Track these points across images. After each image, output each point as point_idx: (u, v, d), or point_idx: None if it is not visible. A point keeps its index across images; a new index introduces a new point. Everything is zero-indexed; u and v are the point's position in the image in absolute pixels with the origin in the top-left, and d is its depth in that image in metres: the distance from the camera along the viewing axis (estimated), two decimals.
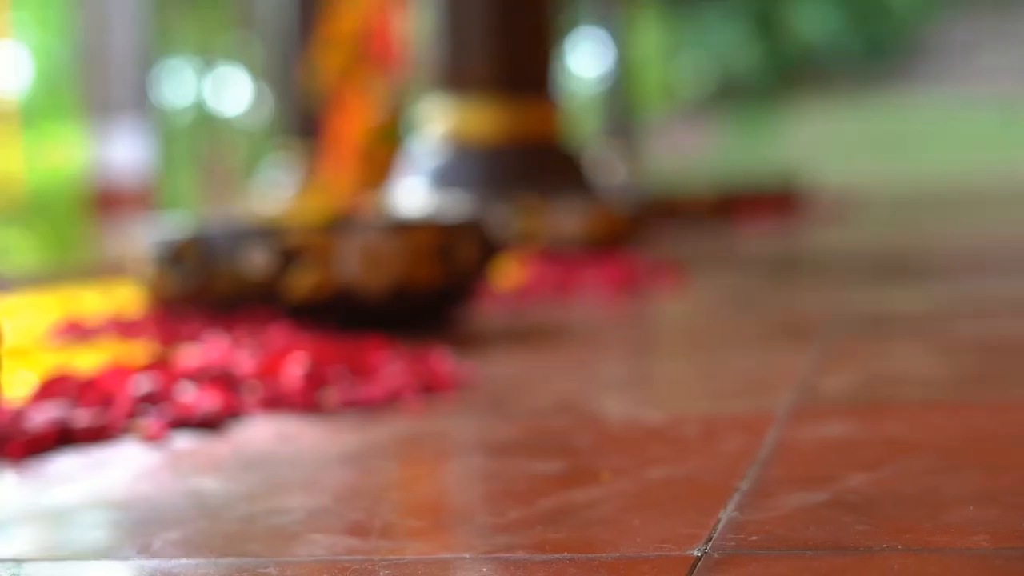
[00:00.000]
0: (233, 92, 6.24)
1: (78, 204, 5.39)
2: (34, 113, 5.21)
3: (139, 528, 0.53)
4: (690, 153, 6.22)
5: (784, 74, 6.38)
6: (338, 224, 1.08)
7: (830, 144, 6.20)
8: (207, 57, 6.20)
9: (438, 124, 2.12)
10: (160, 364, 0.82)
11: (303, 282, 1.07)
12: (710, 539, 0.47)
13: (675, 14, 6.34)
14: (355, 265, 1.07)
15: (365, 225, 1.08)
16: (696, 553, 0.45)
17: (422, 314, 1.11)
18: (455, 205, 1.65)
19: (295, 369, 0.80)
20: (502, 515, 0.52)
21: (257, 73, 6.34)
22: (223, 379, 0.80)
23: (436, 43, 2.12)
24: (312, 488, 0.58)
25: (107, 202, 5.18)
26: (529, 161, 2.07)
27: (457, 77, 2.11)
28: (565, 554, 0.46)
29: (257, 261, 1.07)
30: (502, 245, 1.18)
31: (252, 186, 3.93)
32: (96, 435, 0.70)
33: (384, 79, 3.14)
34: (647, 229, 1.73)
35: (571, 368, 0.89)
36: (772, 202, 2.81)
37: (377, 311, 1.08)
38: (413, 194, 2.07)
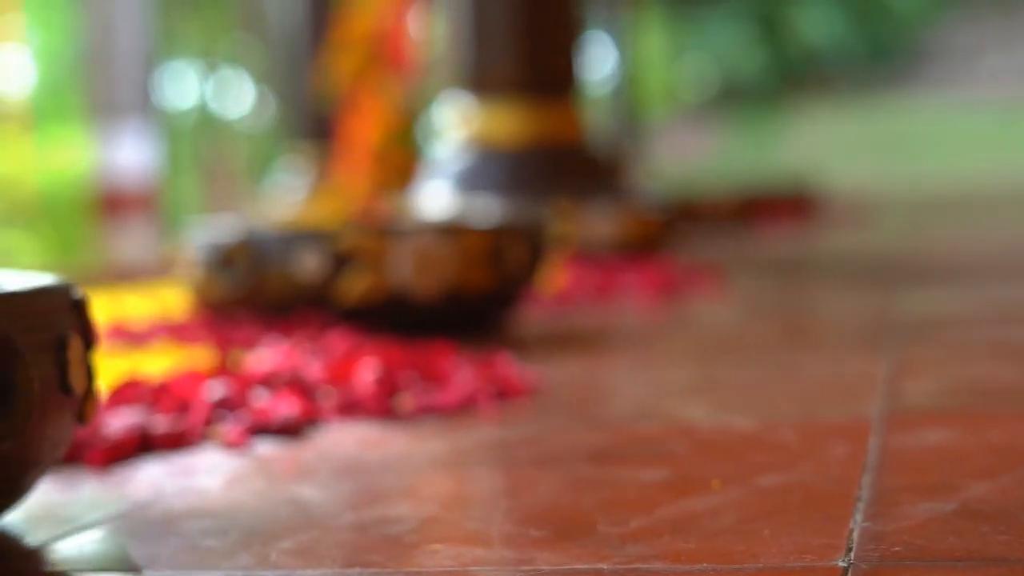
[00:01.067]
0: (236, 95, 6.22)
1: (83, 206, 5.38)
2: (39, 115, 5.18)
3: (248, 537, 0.52)
4: (693, 156, 6.22)
5: (787, 77, 6.38)
6: (390, 227, 1.07)
7: (833, 147, 6.20)
8: (210, 60, 6.18)
9: (462, 127, 2.11)
10: (230, 369, 0.81)
11: (355, 286, 1.06)
12: (850, 549, 0.46)
13: (678, 17, 6.33)
14: (407, 269, 1.06)
15: (418, 228, 1.07)
16: (842, 564, 0.44)
17: (473, 318, 1.10)
18: (487, 208, 1.64)
19: (367, 374, 0.79)
20: (623, 524, 0.51)
21: (261, 76, 6.33)
22: (295, 385, 0.79)
23: (460, 46, 2.11)
24: (414, 496, 0.57)
25: (112, 205, 5.17)
26: (554, 164, 2.06)
27: (481, 80, 2.10)
28: (704, 564, 0.45)
29: (309, 264, 1.06)
30: (550, 248, 1.17)
31: (261, 189, 3.92)
32: (175, 442, 0.69)
33: (398, 82, 3.13)
34: (678, 233, 1.72)
35: (637, 373, 0.88)
36: (788, 206, 2.81)
37: (429, 315, 1.07)
38: (437, 197, 2.06)
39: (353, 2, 3.16)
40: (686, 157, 6.06)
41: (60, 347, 0.52)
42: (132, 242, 5.07)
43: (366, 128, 3.10)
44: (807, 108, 6.50)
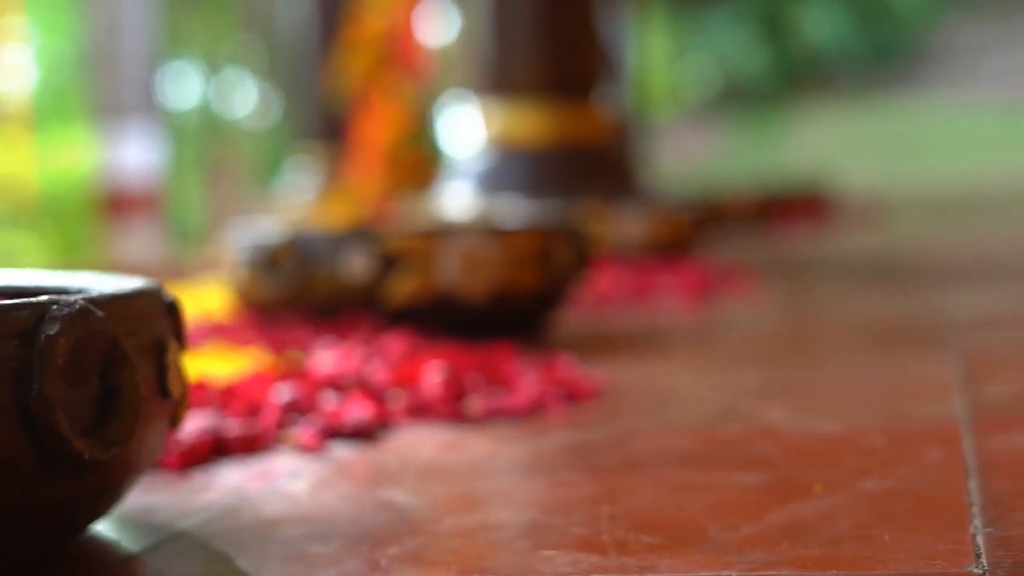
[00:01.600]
0: (240, 95, 6.21)
1: (87, 207, 5.36)
2: (43, 115, 5.17)
3: (352, 544, 0.51)
4: (695, 156, 6.21)
5: (790, 77, 6.37)
6: (438, 228, 1.06)
7: (836, 147, 6.19)
8: (214, 60, 6.17)
9: (484, 127, 2.10)
10: (293, 371, 0.80)
11: (403, 287, 1.05)
12: (979, 555, 0.45)
13: (680, 18, 6.33)
14: (455, 270, 1.05)
15: (465, 230, 1.06)
16: (976, 571, 0.43)
17: (519, 320, 1.09)
18: (515, 209, 1.63)
19: (433, 377, 0.79)
20: (735, 530, 0.50)
21: (264, 76, 6.31)
22: (362, 387, 0.78)
23: (482, 46, 2.11)
24: (510, 501, 0.57)
25: (117, 205, 5.15)
26: (577, 165, 2.05)
27: (504, 80, 2.09)
28: (833, 571, 0.44)
29: (356, 265, 1.05)
30: (594, 250, 1.16)
31: (267, 189, 3.92)
32: (249, 445, 0.68)
33: (410, 82, 3.12)
34: (707, 234, 1.71)
35: (700, 375, 0.87)
36: (805, 206, 2.80)
37: (475, 316, 1.06)
38: (458, 198, 2.05)
39: (364, 2, 3.15)
40: (689, 157, 6.05)
41: (159, 351, 0.51)
42: (137, 242, 5.06)
43: (378, 129, 3.09)
44: (810, 108, 6.49)
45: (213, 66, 6.34)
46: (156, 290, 0.52)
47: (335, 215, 3.09)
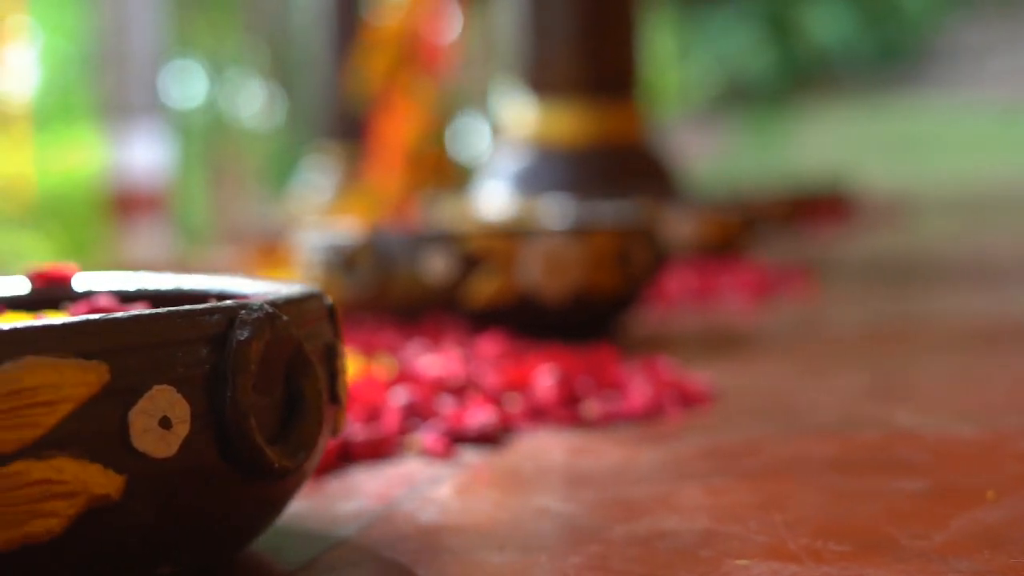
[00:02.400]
0: (246, 95, 6.20)
1: (94, 207, 5.35)
2: (50, 116, 5.15)
3: (530, 552, 0.50)
4: (701, 156, 6.21)
5: (796, 77, 6.37)
6: (519, 229, 1.05)
7: (841, 147, 6.19)
8: (220, 60, 6.15)
9: (521, 127, 2.09)
10: (404, 374, 0.79)
11: (484, 288, 1.04)
12: None
13: (686, 17, 6.32)
14: (537, 271, 1.04)
15: (547, 230, 1.05)
16: None
17: (597, 321, 1.08)
18: (558, 210, 1.62)
19: (547, 380, 0.77)
20: (926, 538, 0.49)
21: (270, 76, 6.30)
22: (481, 391, 0.77)
23: (519, 44, 2.09)
24: (672, 507, 0.55)
25: (124, 205, 5.14)
26: (616, 164, 2.04)
27: (541, 79, 2.08)
28: None
29: (437, 266, 1.04)
30: (670, 251, 1.15)
31: (274, 189, 3.90)
32: (375, 450, 0.67)
33: (432, 81, 3.10)
34: (756, 234, 1.70)
35: (804, 377, 0.86)
36: (833, 206, 2.79)
37: (556, 318, 1.05)
38: (495, 198, 2.04)
39: (384, 1, 3.14)
40: (693, 157, 6.05)
41: (330, 356, 0.50)
42: (144, 242, 5.04)
43: (399, 128, 3.07)
44: (815, 108, 6.49)
45: (219, 66, 6.33)
46: (320, 294, 0.51)
47: (354, 214, 3.07)
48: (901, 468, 0.60)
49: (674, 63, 6.47)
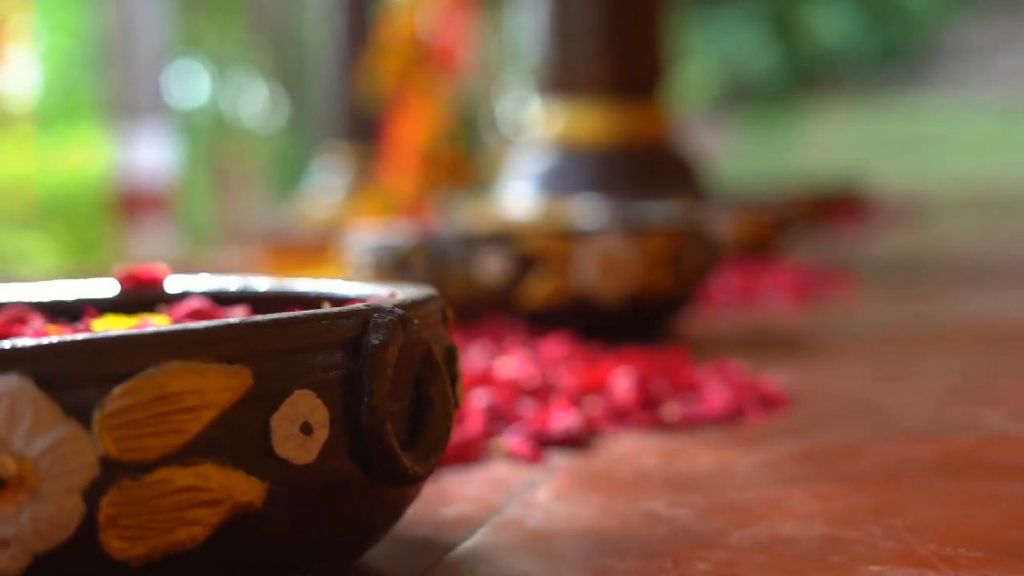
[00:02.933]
0: (249, 96, 6.19)
1: (99, 207, 5.33)
2: (54, 115, 5.14)
3: (653, 558, 0.49)
4: (705, 156, 6.18)
5: (800, 77, 6.36)
6: (575, 229, 1.04)
7: (846, 147, 6.18)
8: (224, 61, 6.14)
9: (545, 127, 2.08)
10: (479, 376, 0.78)
11: (540, 289, 1.03)
12: None
13: (691, 17, 6.31)
14: (592, 271, 1.03)
15: (602, 231, 1.04)
16: None
17: (651, 322, 1.08)
18: (588, 210, 1.61)
19: (624, 382, 0.77)
20: None
21: (274, 77, 6.29)
22: (561, 393, 0.76)
23: (543, 44, 2.08)
24: (784, 512, 0.55)
25: (129, 205, 5.12)
26: (641, 164, 2.03)
27: (566, 78, 2.07)
28: None
29: (492, 267, 1.03)
30: (722, 251, 1.14)
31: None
32: (462, 454, 0.66)
33: (447, 82, 3.10)
34: (791, 234, 1.70)
35: (876, 379, 0.85)
36: (850, 206, 2.79)
37: (610, 318, 1.05)
38: (520, 199, 2.03)
39: (398, 1, 3.13)
40: (698, 157, 6.01)
41: (451, 359, 0.49)
42: (149, 242, 5.02)
43: (414, 128, 3.07)
44: (819, 108, 6.48)
45: (223, 67, 6.31)
46: (438, 296, 0.50)
47: (367, 215, 3.07)
48: (1005, 471, 0.59)
49: (678, 63, 6.46)
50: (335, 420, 0.42)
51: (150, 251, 4.95)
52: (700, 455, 0.66)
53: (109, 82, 5.25)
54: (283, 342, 0.41)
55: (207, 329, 0.40)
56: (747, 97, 6.38)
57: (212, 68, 6.24)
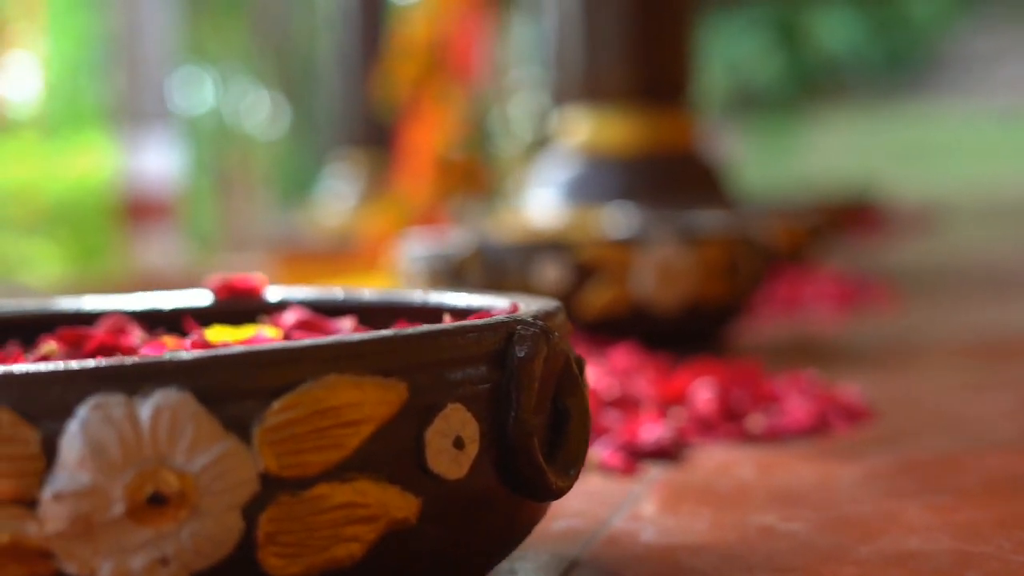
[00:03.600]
0: (253, 103, 6.17)
1: (105, 213, 5.32)
2: (60, 122, 5.13)
3: (782, 573, 0.48)
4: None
5: (805, 85, 6.36)
6: (633, 238, 1.04)
7: (851, 155, 6.18)
8: (228, 68, 6.13)
9: (571, 135, 2.07)
10: None
11: (598, 298, 1.02)
12: None
13: (696, 24, 6.29)
14: (650, 281, 1.02)
15: (660, 239, 1.03)
16: None
17: (707, 331, 1.07)
18: (619, 218, 1.60)
19: (705, 394, 0.76)
20: None
21: (277, 85, 6.28)
22: (635, 404, 0.75)
23: (569, 52, 2.08)
24: (903, 525, 0.54)
25: (134, 211, 5.10)
26: (668, 173, 2.02)
27: (592, 86, 2.06)
28: None
29: (549, 276, 1.03)
30: (774, 260, 1.13)
31: (293, 196, 3.87)
32: None
33: (463, 88, 3.09)
34: (825, 242, 1.69)
35: (965, 390, 0.84)
36: (868, 215, 2.78)
37: (667, 328, 1.04)
38: (545, 207, 2.03)
39: (413, 8, 3.12)
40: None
41: (581, 371, 0.48)
42: (155, 249, 5.01)
43: (428, 135, 3.06)
44: (824, 116, 6.48)
45: (227, 73, 6.30)
46: (563, 307, 0.49)
47: (379, 221, 3.06)
48: None
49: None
50: (483, 434, 0.42)
51: (155, 257, 4.94)
52: (797, 468, 0.65)
53: (114, 88, 5.24)
54: (435, 355, 0.40)
55: (364, 342, 0.39)
56: (752, 104, 6.38)
57: (216, 75, 6.23)
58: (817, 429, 0.73)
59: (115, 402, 0.36)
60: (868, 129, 6.35)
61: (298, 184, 6.48)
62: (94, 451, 0.36)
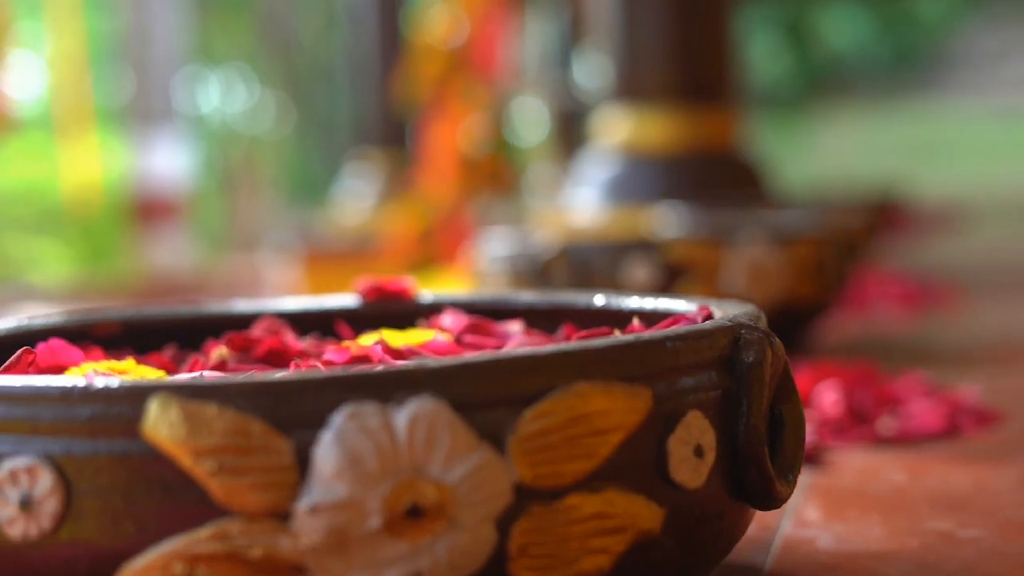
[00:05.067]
0: (263, 103, 6.16)
1: (115, 214, 5.30)
2: (68, 122, 5.11)
3: None
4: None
5: (813, 83, 6.36)
6: (723, 237, 1.03)
7: (859, 153, 6.18)
8: (237, 69, 6.11)
9: (611, 134, 2.06)
10: None
11: None
12: None
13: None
14: (741, 281, 1.01)
15: (751, 238, 1.02)
16: None
17: (794, 331, 1.06)
18: (672, 219, 1.59)
19: (830, 396, 0.75)
20: None
21: (284, 86, 6.26)
22: None
23: (610, 50, 2.06)
24: None
25: (144, 211, 5.08)
26: (710, 171, 2.01)
27: (632, 85, 2.04)
28: None
29: (639, 276, 1.01)
30: (858, 259, 1.12)
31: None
32: None
33: (487, 87, 3.07)
34: (878, 241, 1.68)
35: None
36: (894, 213, 2.77)
37: None
38: (585, 207, 2.01)
39: (436, 7, 3.11)
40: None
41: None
42: (165, 249, 4.99)
43: (452, 135, 3.04)
44: (832, 114, 6.48)
45: (234, 74, 6.28)
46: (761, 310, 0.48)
47: (402, 221, 3.04)
48: None
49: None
50: (719, 443, 0.40)
51: (165, 258, 4.92)
52: (947, 472, 0.64)
53: (124, 88, 5.22)
54: (675, 360, 0.39)
55: (611, 347, 0.38)
56: (759, 103, 6.37)
57: (224, 75, 6.21)
58: (947, 432, 0.72)
59: (370, 411, 0.35)
60: (875, 127, 6.35)
61: (305, 184, 6.47)
62: (351, 462, 0.35)
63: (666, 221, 1.47)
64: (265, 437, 0.35)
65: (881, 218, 2.50)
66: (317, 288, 2.40)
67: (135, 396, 0.35)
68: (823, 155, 6.14)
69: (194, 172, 5.61)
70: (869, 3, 6.25)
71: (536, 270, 1.05)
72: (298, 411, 0.35)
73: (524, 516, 0.36)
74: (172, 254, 5.08)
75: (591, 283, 1.03)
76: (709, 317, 0.47)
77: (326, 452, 0.35)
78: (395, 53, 3.42)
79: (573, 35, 3.88)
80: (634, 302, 0.53)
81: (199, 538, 0.35)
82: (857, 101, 6.42)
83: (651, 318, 0.51)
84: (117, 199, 5.33)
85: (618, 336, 0.40)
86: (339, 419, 0.35)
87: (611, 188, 2.04)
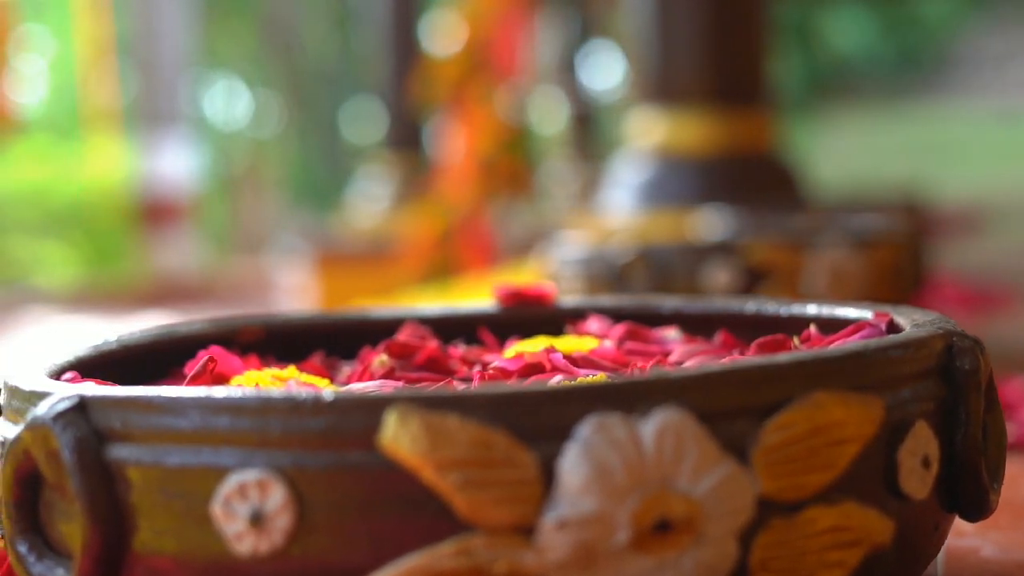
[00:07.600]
0: (266, 105, 6.15)
1: (120, 215, 5.28)
2: (74, 124, 5.09)
3: None
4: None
5: (817, 85, 6.35)
6: (804, 240, 1.02)
7: (864, 155, 6.17)
8: (242, 70, 6.10)
9: (645, 136, 2.05)
10: None
11: None
12: None
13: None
14: (823, 285, 1.00)
15: (832, 242, 1.01)
16: None
17: None
18: (714, 223, 1.58)
19: None
20: None
21: (287, 90, 6.25)
22: None
23: (644, 52, 2.05)
24: None
25: (150, 214, 5.07)
26: (745, 174, 2.00)
27: (666, 87, 2.03)
28: None
29: (719, 280, 1.01)
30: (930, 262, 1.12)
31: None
32: None
33: (507, 89, 3.06)
34: (921, 244, 1.67)
35: None
36: (924, 215, 2.76)
37: None
38: (619, 209, 2.00)
39: (455, 9, 3.10)
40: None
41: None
42: (172, 251, 4.98)
43: (471, 137, 3.03)
44: (836, 116, 6.47)
45: (239, 76, 6.28)
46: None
47: (419, 224, 3.03)
48: None
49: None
50: (942, 453, 0.39)
51: (172, 260, 4.91)
52: None
53: (130, 91, 5.21)
54: (901, 369, 0.38)
55: (845, 356, 0.37)
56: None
57: (229, 77, 6.20)
58: None
59: (615, 422, 0.34)
60: (880, 129, 6.34)
61: (308, 186, 6.46)
62: (599, 475, 0.34)
63: (710, 224, 1.46)
64: (508, 450, 0.34)
65: (923, 221, 2.49)
66: (330, 292, 2.38)
67: (372, 408, 0.34)
68: (828, 157, 6.13)
69: (199, 175, 5.60)
70: (874, 5, 6.25)
71: (612, 273, 1.04)
72: (541, 423, 0.34)
73: (765, 529, 0.35)
74: (178, 256, 5.07)
75: (669, 287, 1.02)
76: (892, 323, 0.46)
77: (573, 465, 0.34)
78: (411, 56, 3.41)
79: (584, 37, 3.87)
80: (796, 309, 0.52)
81: (441, 553, 0.34)
82: (862, 103, 6.42)
83: (828, 325, 0.50)
84: (123, 201, 5.31)
85: (848, 344, 0.39)
86: (585, 431, 0.34)
87: (646, 191, 2.03)
